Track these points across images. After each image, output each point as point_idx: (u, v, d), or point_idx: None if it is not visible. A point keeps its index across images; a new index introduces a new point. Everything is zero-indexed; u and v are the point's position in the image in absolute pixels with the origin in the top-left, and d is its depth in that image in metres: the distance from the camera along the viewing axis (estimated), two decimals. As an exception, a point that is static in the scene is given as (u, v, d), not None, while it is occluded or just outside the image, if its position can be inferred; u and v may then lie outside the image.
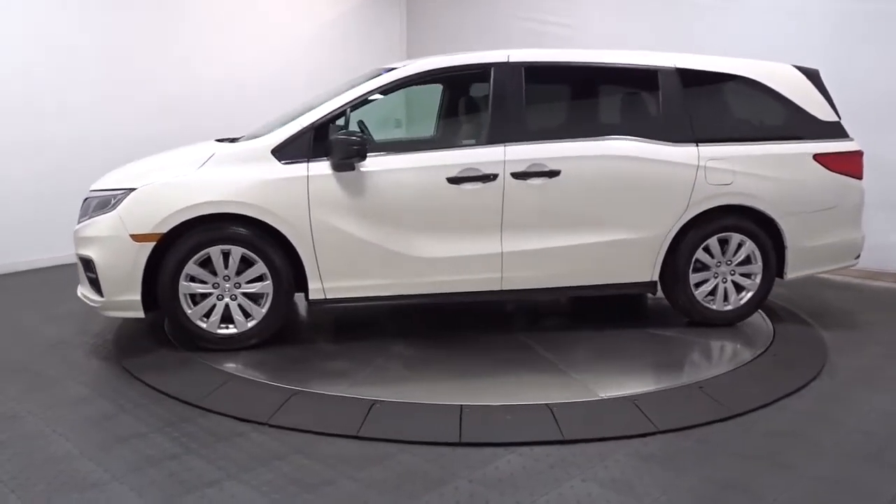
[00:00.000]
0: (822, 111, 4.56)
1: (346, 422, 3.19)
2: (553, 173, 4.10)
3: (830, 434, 3.19)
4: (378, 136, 4.80)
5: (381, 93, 4.14)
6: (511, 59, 4.22)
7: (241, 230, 3.91)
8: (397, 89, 4.19)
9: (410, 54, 8.39)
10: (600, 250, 4.22)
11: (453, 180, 4.02)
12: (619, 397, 3.50)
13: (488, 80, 4.18)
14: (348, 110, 4.05)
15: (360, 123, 4.48)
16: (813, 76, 4.63)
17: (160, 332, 4.44)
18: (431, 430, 3.14)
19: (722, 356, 4.24)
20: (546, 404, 3.35)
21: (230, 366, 3.86)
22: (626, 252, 4.27)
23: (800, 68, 4.64)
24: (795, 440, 3.12)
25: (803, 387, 3.71)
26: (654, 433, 3.14)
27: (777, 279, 4.57)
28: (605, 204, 4.20)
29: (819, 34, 6.06)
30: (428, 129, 5.39)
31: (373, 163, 4.00)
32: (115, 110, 6.57)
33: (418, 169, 4.05)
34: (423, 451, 2.97)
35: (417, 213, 4.04)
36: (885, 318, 5.05)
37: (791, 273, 4.53)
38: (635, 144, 4.24)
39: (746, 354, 4.16)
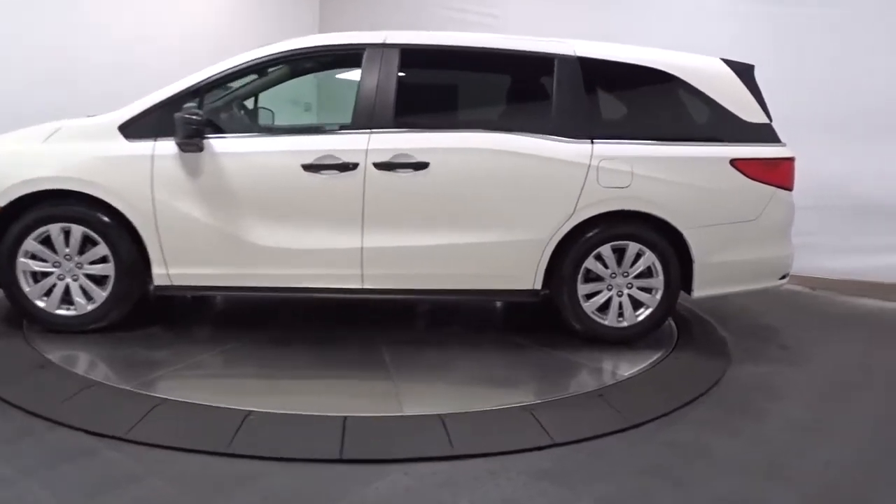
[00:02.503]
0: (747, 111, 4.05)
1: (215, 436, 2.83)
2: (421, 165, 3.76)
3: (729, 446, 2.99)
4: (278, 119, 4.57)
5: (244, 72, 3.88)
6: (388, 41, 3.90)
7: (82, 208, 3.73)
8: (264, 68, 3.92)
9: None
10: (474, 252, 3.86)
11: (309, 167, 3.73)
12: (515, 407, 3.20)
13: (360, 63, 3.87)
14: (213, 88, 3.83)
15: (239, 104, 4.23)
16: (743, 72, 4.13)
17: (14, 330, 3.94)
18: (310, 445, 2.81)
19: (623, 361, 3.89)
20: (438, 415, 3.06)
21: (90, 369, 3.52)
22: (504, 256, 3.89)
23: (729, 63, 4.15)
24: (694, 453, 2.91)
25: (704, 394, 3.52)
26: (549, 446, 2.89)
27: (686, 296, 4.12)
28: (479, 202, 3.83)
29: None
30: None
31: (225, 145, 3.76)
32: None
33: (272, 153, 3.78)
34: (298, 470, 2.66)
35: (269, 200, 3.77)
36: (789, 321, 5.00)
37: (699, 290, 4.05)
38: (515, 138, 3.85)
39: (649, 359, 3.90)
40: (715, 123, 4.06)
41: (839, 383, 3.81)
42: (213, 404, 3.08)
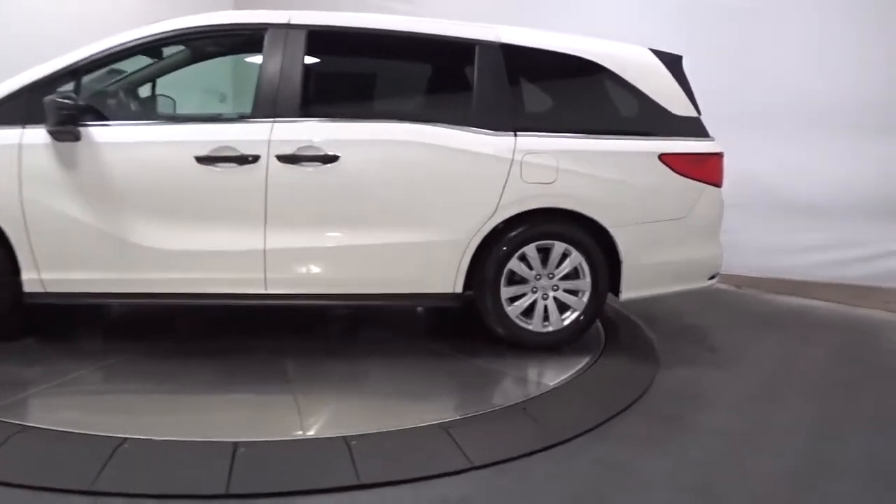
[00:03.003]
0: (676, 104, 3.87)
1: (78, 470, 2.40)
2: (330, 158, 3.42)
3: (659, 462, 2.77)
4: (184, 109, 4.15)
5: (129, 53, 3.45)
6: (293, 21, 3.54)
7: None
8: (151, 49, 3.50)
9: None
10: (389, 254, 3.55)
11: (204, 160, 3.34)
12: (431, 425, 2.88)
13: (262, 46, 3.50)
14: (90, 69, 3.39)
15: (129, 89, 3.79)
16: (671, 63, 3.94)
17: None
18: (192, 477, 2.43)
19: (549, 369, 3.64)
20: (343, 437, 2.71)
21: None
22: (421, 257, 3.59)
23: (657, 53, 3.95)
24: (623, 472, 2.67)
25: (633, 403, 3.28)
26: (467, 469, 2.57)
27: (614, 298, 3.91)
28: (393, 199, 3.52)
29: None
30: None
31: (107, 133, 3.33)
32: None
33: (160, 144, 3.38)
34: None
35: (158, 197, 3.37)
36: (719, 322, 4.85)
37: (628, 292, 3.84)
38: (433, 130, 3.55)
39: (575, 366, 3.65)
40: (643, 116, 3.86)
41: (768, 385, 3.67)
42: (83, 431, 2.66)
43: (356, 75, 3.86)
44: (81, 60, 3.34)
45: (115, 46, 3.38)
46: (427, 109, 3.82)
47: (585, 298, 3.80)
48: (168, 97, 4.01)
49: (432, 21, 3.72)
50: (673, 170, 3.78)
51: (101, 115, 3.38)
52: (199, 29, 3.51)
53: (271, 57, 3.48)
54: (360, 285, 3.62)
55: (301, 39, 3.50)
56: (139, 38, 3.42)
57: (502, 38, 3.71)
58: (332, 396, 3.25)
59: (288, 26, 3.52)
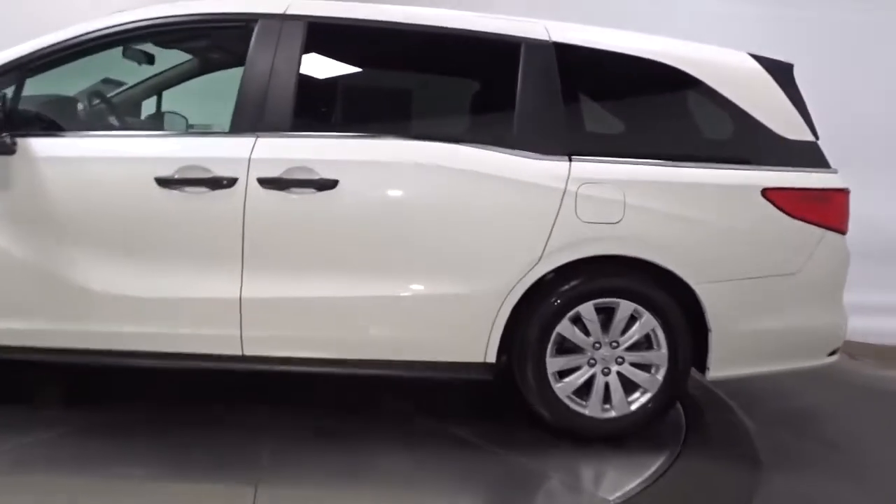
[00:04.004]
0: (786, 124, 2.95)
1: None
2: (326, 184, 2.65)
3: None
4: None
5: (80, 49, 2.76)
6: (290, 12, 2.82)
7: None
8: (107, 45, 2.82)
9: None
10: (401, 308, 2.73)
11: (166, 182, 2.63)
12: None
13: (248, 41, 2.79)
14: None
15: (90, 94, 3.14)
16: (779, 72, 3.04)
17: None
18: None
19: (610, 472, 2.80)
20: None
21: None
22: (442, 315, 2.76)
23: (760, 59, 3.06)
24: None
25: None
26: None
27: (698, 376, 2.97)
28: (407, 237, 2.71)
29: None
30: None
31: (48, 146, 2.66)
32: None
33: (113, 160, 2.68)
34: None
35: (108, 227, 2.66)
36: (835, 405, 3.77)
37: (718, 370, 2.90)
38: (462, 151, 2.75)
39: (647, 468, 2.74)
40: (741, 139, 2.96)
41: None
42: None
43: (366, 81, 3.08)
44: (23, 56, 2.69)
45: (65, 41, 2.72)
46: (455, 126, 3.03)
47: (660, 375, 2.87)
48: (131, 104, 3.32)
49: (465, 14, 2.93)
50: (781, 209, 2.84)
51: (46, 124, 2.72)
52: (169, 21, 2.81)
53: (259, 54, 2.75)
54: (362, 349, 2.80)
55: (298, 34, 2.77)
56: (93, 32, 2.74)
57: (555, 36, 2.89)
58: (316, 497, 2.43)
59: (283, 17, 2.80)
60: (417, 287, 2.72)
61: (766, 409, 3.55)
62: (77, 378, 3.34)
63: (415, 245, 2.72)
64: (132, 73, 3.62)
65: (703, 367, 2.91)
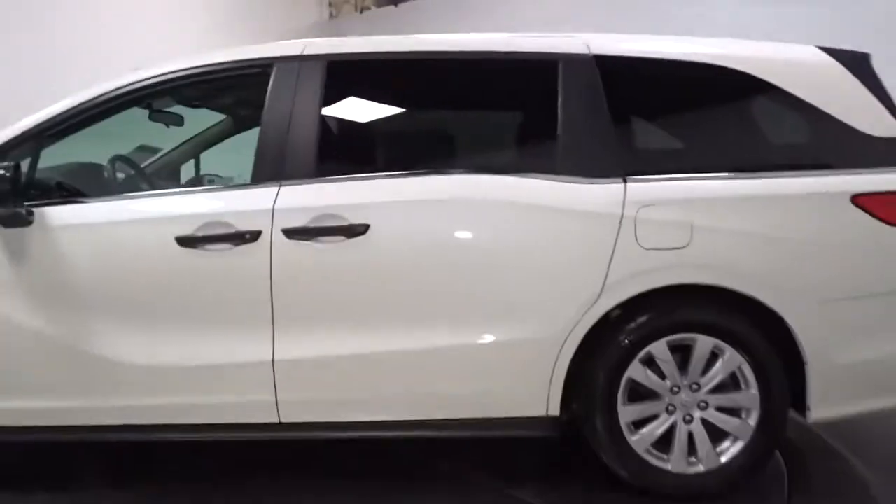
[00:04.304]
0: (870, 120, 2.58)
1: None
2: (356, 229, 2.42)
3: None
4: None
5: (96, 112, 2.63)
6: (307, 52, 2.64)
7: None
8: (117, 106, 2.67)
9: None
10: (447, 362, 2.45)
11: (187, 241, 2.45)
12: None
13: (266, 86, 2.62)
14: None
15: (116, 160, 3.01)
16: (854, 64, 2.68)
17: None
18: None
19: None
20: None
21: None
22: (493, 366, 2.46)
23: (832, 51, 2.71)
24: None
25: None
26: None
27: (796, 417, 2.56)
28: (448, 282, 2.44)
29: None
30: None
31: (64, 214, 2.52)
32: None
33: (130, 223, 2.52)
34: None
35: (128, 294, 2.48)
36: None
37: (820, 410, 2.49)
38: (503, 182, 2.49)
39: None
40: (821, 141, 2.61)
41: None
42: None
43: (392, 117, 2.86)
44: (37, 125, 2.58)
45: (78, 106, 2.59)
46: (493, 156, 2.77)
47: (752, 420, 2.49)
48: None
49: (494, 36, 2.71)
50: (875, 216, 2.46)
51: (67, 193, 2.59)
52: (183, 74, 2.66)
53: (278, 99, 2.57)
54: (408, 408, 2.52)
55: (318, 74, 2.59)
56: (96, 97, 2.61)
57: (595, 49, 2.62)
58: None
59: (300, 58, 2.62)
60: (464, 337, 2.44)
61: (880, 453, 3.07)
62: (108, 456, 3.15)
63: (458, 290, 2.44)
64: (165, 137, 3.54)
65: (802, 408, 2.52)
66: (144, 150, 3.88)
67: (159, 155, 3.59)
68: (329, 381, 2.48)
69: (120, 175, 2.98)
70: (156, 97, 2.83)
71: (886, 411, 2.58)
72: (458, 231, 2.47)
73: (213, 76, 2.69)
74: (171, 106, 3.06)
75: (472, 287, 2.44)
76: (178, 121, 3.35)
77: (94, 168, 2.93)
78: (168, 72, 2.66)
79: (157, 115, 3.20)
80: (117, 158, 2.97)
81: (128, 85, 2.62)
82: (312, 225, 2.43)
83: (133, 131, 3.28)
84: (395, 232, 2.45)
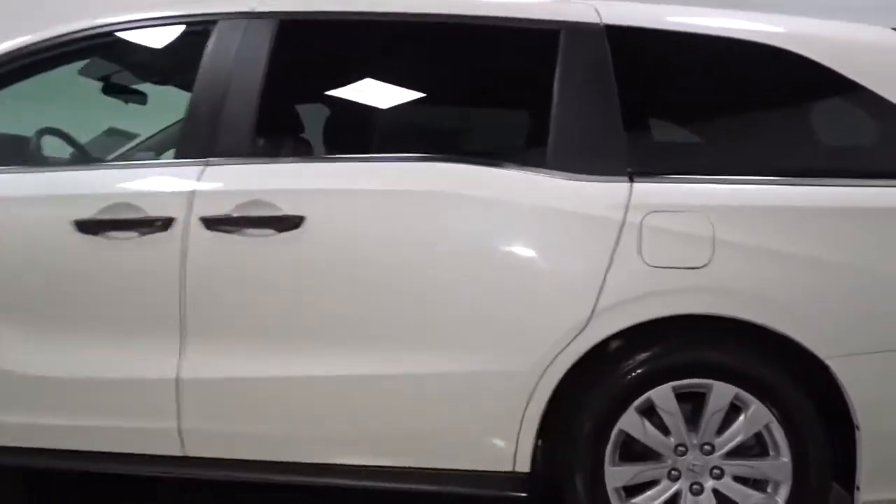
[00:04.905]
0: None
1: None
2: (288, 222, 1.95)
3: None
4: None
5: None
6: (258, 9, 2.19)
7: None
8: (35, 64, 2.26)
9: None
10: (387, 393, 1.96)
11: (87, 225, 2.01)
12: None
13: (203, 47, 2.18)
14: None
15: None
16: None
17: None
18: None
19: None
20: None
21: None
22: (448, 403, 1.95)
23: (912, 35, 2.15)
24: None
25: None
26: None
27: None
28: (395, 294, 1.95)
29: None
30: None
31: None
32: None
33: (20, 201, 2.11)
34: None
35: (12, 283, 2.07)
36: None
37: (875, 489, 1.91)
38: (476, 173, 1.99)
39: None
40: (890, 144, 2.04)
41: None
42: None
43: (349, 89, 2.34)
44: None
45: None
46: (468, 141, 2.28)
47: (781, 497, 1.91)
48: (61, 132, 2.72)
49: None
50: (963, 243, 1.88)
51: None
52: (111, 30, 2.24)
53: (215, 62, 2.13)
54: (342, 450, 2.02)
55: (267, 34, 2.13)
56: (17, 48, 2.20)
57: (606, 17, 2.10)
58: None
59: (249, 15, 2.18)
60: (411, 365, 1.93)
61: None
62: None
63: (407, 305, 1.95)
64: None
65: (850, 486, 1.94)
66: (115, 133, 3.48)
67: (136, 142, 3.18)
68: (246, 408, 2.01)
69: (47, 151, 2.57)
70: (81, 55, 2.41)
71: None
72: (412, 232, 1.97)
73: (146, 31, 2.27)
74: (102, 68, 2.63)
75: (427, 303, 1.94)
76: (141, 99, 2.95)
77: (15, 140, 2.53)
78: (98, 25, 2.25)
79: (111, 89, 2.80)
80: (46, 131, 2.56)
81: (41, 41, 2.21)
82: (237, 214, 1.98)
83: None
84: (335, 228, 1.97)
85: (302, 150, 2.13)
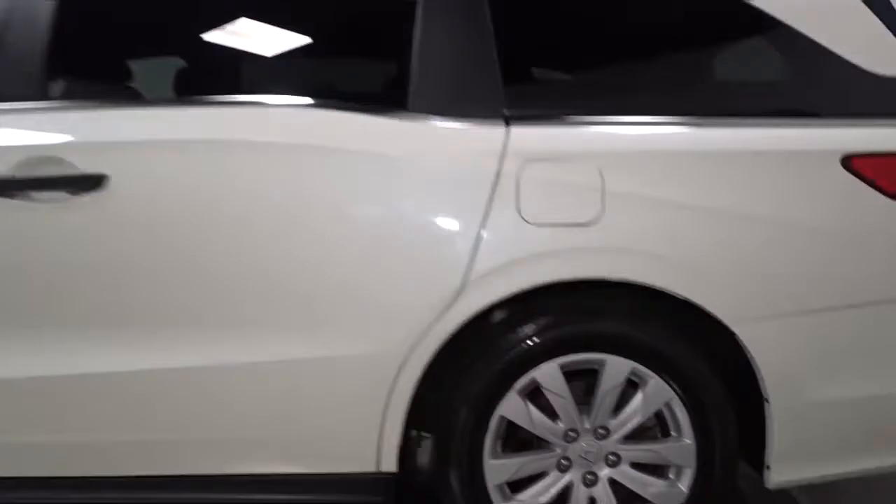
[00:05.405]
0: (879, 56, 1.75)
1: None
2: (86, 183, 1.57)
3: None
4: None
5: None
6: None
7: None
8: None
9: None
10: (219, 388, 1.62)
11: None
12: None
13: None
14: None
15: None
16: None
17: None
18: None
19: None
20: None
21: None
22: (295, 395, 1.62)
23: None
24: None
25: None
26: None
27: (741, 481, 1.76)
28: (223, 266, 1.60)
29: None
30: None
31: None
32: None
33: None
34: None
35: None
36: None
37: (784, 470, 1.69)
38: (320, 118, 1.65)
39: None
40: (804, 80, 1.78)
41: None
42: None
43: (164, 14, 1.93)
44: None
45: None
46: (310, 76, 1.93)
47: (685, 483, 1.68)
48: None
49: None
50: (877, 187, 1.64)
51: None
52: None
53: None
54: (163, 460, 1.67)
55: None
56: None
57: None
58: None
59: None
60: (247, 353, 1.59)
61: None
62: None
63: (238, 279, 1.60)
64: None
65: (759, 464, 1.71)
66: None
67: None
68: (43, 412, 1.63)
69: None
70: None
71: (883, 472, 1.78)
72: (242, 193, 1.60)
73: None
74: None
75: (260, 276, 1.60)
76: None
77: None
78: None
79: None
80: None
81: None
82: (21, 175, 1.57)
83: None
84: (145, 188, 1.59)
85: (106, 91, 1.72)
